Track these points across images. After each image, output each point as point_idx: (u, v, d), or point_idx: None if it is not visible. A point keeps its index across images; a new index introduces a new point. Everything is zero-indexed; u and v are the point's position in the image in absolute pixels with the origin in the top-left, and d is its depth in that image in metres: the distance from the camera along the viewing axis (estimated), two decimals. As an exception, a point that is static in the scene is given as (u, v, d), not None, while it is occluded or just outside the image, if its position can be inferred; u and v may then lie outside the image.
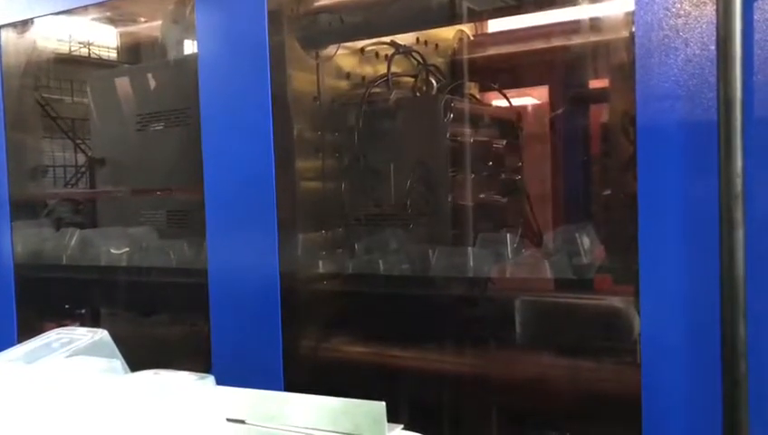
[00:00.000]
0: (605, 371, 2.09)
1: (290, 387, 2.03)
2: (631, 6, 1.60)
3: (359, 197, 2.66)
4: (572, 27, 2.66)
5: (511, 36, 3.10)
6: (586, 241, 2.20)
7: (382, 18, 2.72)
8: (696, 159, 1.53)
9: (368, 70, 2.86)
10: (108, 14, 3.23)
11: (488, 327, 2.34)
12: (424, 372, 2.40)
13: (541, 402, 2.17)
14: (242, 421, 1.14)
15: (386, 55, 2.88)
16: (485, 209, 2.64)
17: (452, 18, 2.82)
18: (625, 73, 1.90)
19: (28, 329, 2.68)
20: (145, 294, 2.90)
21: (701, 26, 1.52)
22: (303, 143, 2.59)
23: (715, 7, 1.46)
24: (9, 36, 2.89)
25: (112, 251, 2.83)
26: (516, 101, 3.05)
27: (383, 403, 1.11)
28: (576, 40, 2.69)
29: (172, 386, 1.14)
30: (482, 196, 2.64)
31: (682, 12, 1.54)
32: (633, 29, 1.62)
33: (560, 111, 3.03)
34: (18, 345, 1.43)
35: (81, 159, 3.90)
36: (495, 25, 3.19)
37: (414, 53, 2.94)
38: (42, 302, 3.02)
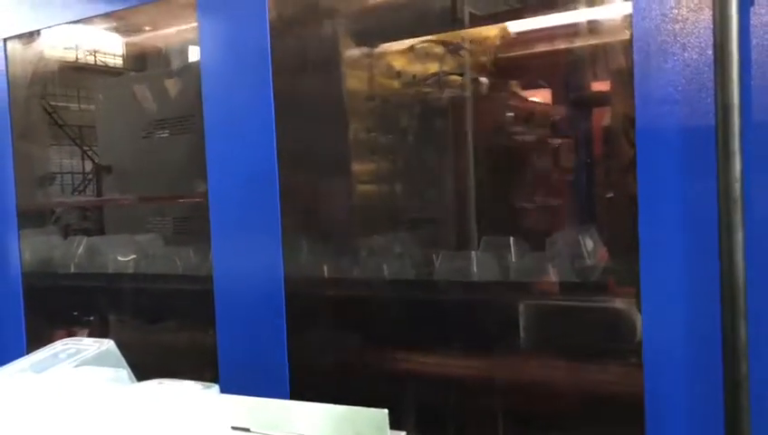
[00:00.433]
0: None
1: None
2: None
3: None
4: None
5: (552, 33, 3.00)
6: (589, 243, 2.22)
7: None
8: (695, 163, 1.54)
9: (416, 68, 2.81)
10: (116, 24, 3.25)
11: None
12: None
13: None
14: (246, 430, 1.16)
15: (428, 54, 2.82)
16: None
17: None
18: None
19: (36, 337, 2.71)
20: (153, 300, 2.92)
21: (699, 31, 1.53)
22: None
23: (712, 12, 1.46)
24: (15, 47, 2.92)
25: (119, 258, 2.86)
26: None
27: (386, 410, 1.12)
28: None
29: (177, 395, 1.16)
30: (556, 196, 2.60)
31: (680, 17, 1.55)
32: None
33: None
34: (26, 356, 1.46)
35: (89, 165, 3.93)
36: (534, 23, 3.11)
37: (462, 51, 2.86)
38: (50, 310, 3.04)
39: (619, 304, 2.03)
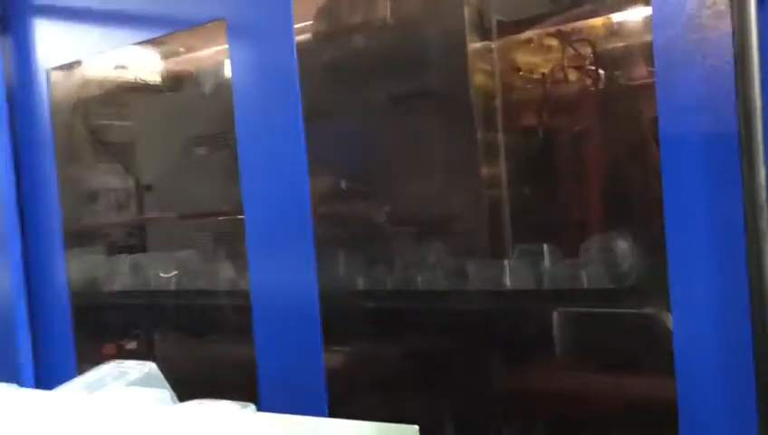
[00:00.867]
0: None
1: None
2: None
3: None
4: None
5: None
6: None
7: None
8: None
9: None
10: (153, 48, 3.35)
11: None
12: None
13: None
14: (281, 447, 1.21)
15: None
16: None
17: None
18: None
19: (86, 355, 2.82)
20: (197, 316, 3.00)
21: (720, 39, 1.53)
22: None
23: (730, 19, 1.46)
24: (57, 73, 3.04)
25: (161, 275, 2.95)
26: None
27: (416, 426, 1.16)
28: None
29: (216, 416, 1.22)
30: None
31: (701, 26, 1.55)
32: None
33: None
34: (77, 377, 1.54)
35: (132, 183, 4.01)
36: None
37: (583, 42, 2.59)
38: (98, 328, 3.15)
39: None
